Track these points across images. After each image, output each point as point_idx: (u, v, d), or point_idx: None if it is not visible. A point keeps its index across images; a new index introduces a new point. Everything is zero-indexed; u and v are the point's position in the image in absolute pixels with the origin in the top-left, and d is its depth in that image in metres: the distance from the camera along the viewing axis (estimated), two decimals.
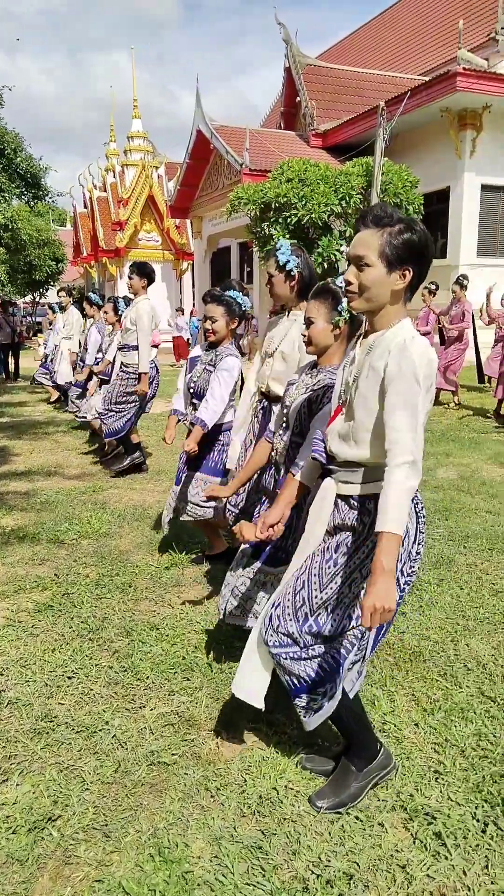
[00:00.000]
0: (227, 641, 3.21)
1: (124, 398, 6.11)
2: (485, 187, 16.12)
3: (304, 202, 14.78)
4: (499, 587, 3.85)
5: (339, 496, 2.13)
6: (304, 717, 2.20)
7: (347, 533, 2.12)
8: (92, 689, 2.86)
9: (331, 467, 2.15)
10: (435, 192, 16.49)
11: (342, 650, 2.15)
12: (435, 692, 2.82)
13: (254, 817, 2.17)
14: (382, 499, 1.83)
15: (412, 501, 2.03)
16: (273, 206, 15.17)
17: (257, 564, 2.74)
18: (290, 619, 2.15)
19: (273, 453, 2.66)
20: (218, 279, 25.56)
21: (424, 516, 2.16)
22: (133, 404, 6.13)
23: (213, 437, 3.92)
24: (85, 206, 30.13)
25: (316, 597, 2.13)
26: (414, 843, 2.07)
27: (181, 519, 4.05)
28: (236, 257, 25.02)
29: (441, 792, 2.26)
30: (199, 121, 20.06)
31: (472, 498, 5.55)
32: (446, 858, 2.00)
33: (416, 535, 2.13)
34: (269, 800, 2.23)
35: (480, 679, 2.92)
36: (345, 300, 2.39)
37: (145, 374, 6.01)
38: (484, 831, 2.10)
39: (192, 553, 4.33)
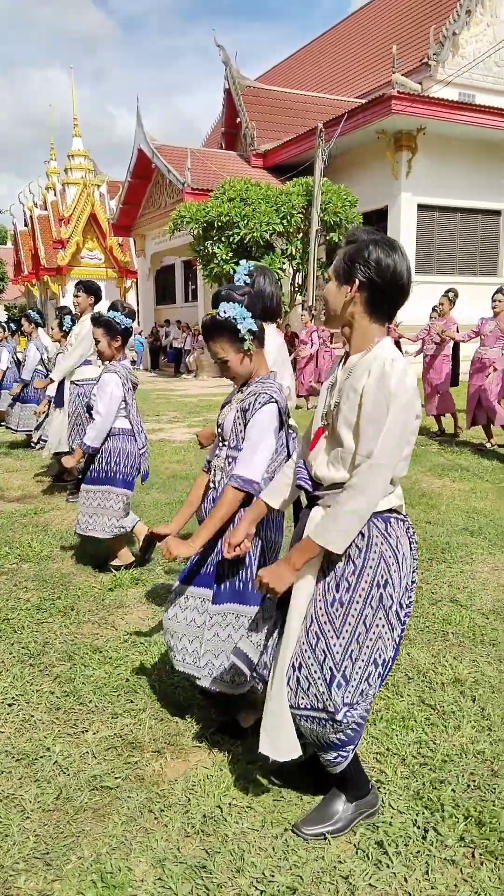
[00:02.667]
0: (171, 662, 3.19)
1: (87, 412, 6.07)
2: (421, 207, 16.62)
3: (246, 221, 14.96)
4: (437, 596, 3.94)
5: None
6: (334, 766, 2.11)
7: (343, 565, 2.01)
8: (33, 716, 2.81)
9: (317, 493, 2.08)
10: (373, 212, 16.92)
11: (370, 700, 2.08)
12: (377, 702, 2.86)
13: (198, 836, 2.16)
14: (328, 513, 1.88)
15: (403, 524, 2.05)
16: (216, 224, 15.33)
17: (209, 606, 2.56)
18: (318, 678, 2.00)
19: (210, 475, 2.63)
20: (162, 297, 25.63)
21: (416, 542, 2.13)
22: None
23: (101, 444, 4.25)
24: (25, 225, 29.84)
25: (335, 644, 2.00)
26: (356, 853, 2.09)
27: (78, 532, 4.36)
28: (180, 275, 25.10)
29: (383, 800, 2.29)
30: (140, 140, 20.16)
31: (412, 509, 5.67)
32: (388, 867, 2.03)
33: (411, 560, 2.07)
34: (212, 818, 2.23)
35: (421, 688, 2.98)
36: (241, 326, 2.38)
37: (52, 381, 6.26)
38: (424, 838, 2.14)
39: (134, 573, 4.30)
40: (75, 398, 6.06)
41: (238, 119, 21.40)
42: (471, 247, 17.76)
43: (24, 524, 5.38)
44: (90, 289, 5.98)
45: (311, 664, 2.02)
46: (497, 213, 17.91)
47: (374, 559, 1.98)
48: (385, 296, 1.97)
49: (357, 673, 2.01)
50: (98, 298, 6.03)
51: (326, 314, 2.08)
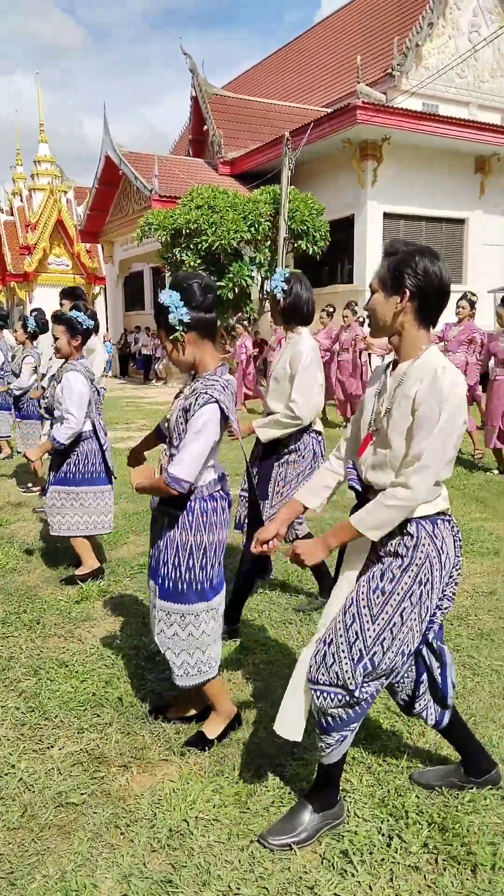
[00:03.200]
0: (138, 675, 3.19)
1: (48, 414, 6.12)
2: (387, 215, 16.82)
3: (214, 228, 15.00)
4: None
5: None
6: (329, 750, 2.15)
7: (391, 559, 2.12)
8: None
9: (368, 496, 2.16)
10: (340, 220, 17.06)
11: (382, 683, 2.15)
12: None
13: (164, 851, 2.16)
14: (371, 503, 2.03)
15: (449, 524, 2.15)
16: (184, 231, 15.33)
17: (156, 601, 2.64)
18: (345, 657, 2.08)
19: (158, 468, 2.62)
20: (131, 304, 25.52)
21: (461, 539, 2.21)
22: None
23: (70, 448, 4.30)
24: None
25: (369, 629, 2.08)
26: (322, 862, 2.11)
27: (51, 533, 4.39)
28: (149, 282, 25.01)
29: (349, 809, 2.31)
30: (107, 147, 20.09)
31: None
32: (353, 875, 2.05)
33: (454, 557, 2.16)
34: (179, 832, 2.23)
35: (385, 695, 2.98)
36: (171, 315, 2.37)
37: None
38: (389, 845, 2.16)
39: (102, 585, 4.28)
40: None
41: (205, 127, 21.46)
42: None
43: None
44: (74, 295, 6.01)
45: (342, 643, 2.10)
46: (461, 221, 18.20)
47: (420, 558, 2.08)
48: (433, 303, 2.05)
49: (386, 661, 2.10)
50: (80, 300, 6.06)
51: (374, 325, 2.12)
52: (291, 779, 2.48)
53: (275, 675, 3.18)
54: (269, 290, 3.45)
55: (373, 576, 2.13)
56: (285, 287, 3.41)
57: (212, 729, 2.70)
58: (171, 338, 2.43)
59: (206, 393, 2.40)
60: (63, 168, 26.81)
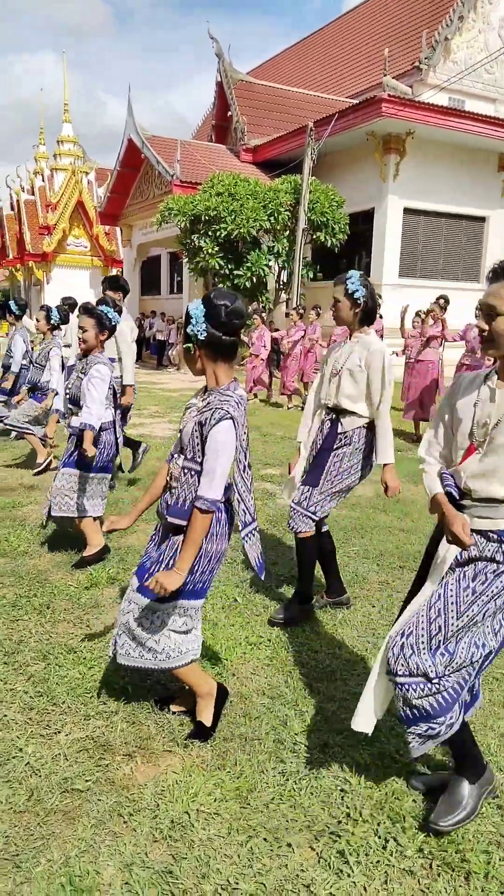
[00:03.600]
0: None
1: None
2: (407, 210, 16.71)
3: (233, 216, 14.97)
4: None
5: (474, 530, 2.20)
6: (416, 743, 2.21)
7: (486, 563, 2.20)
8: (6, 715, 2.84)
9: (463, 502, 2.22)
10: (360, 213, 16.97)
11: (465, 678, 2.21)
12: (344, 712, 2.93)
13: (165, 842, 2.22)
14: None
15: None
16: (203, 218, 15.29)
17: (132, 593, 2.71)
18: (424, 649, 2.17)
19: (168, 476, 2.67)
20: (147, 288, 25.51)
21: None
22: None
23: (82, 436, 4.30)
24: (12, 209, 29.52)
25: (453, 624, 2.18)
26: (319, 861, 2.16)
27: (53, 514, 4.43)
28: (166, 267, 24.99)
29: (346, 810, 2.37)
30: (130, 130, 20.02)
31: (386, 516, 5.76)
32: (348, 876, 2.10)
33: None
34: (180, 824, 2.29)
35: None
36: (191, 326, 2.44)
37: (130, 385, 6.13)
38: (384, 847, 2.21)
39: (111, 572, 4.34)
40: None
41: (229, 113, 21.35)
42: (455, 252, 17.91)
43: (1, 518, 5.38)
44: (117, 284, 6.15)
45: (422, 634, 2.20)
46: (482, 219, 18.06)
47: None
48: None
49: (462, 651, 2.18)
50: (125, 293, 6.21)
51: (497, 343, 2.14)
52: (292, 775, 2.53)
53: (278, 672, 3.23)
54: (346, 291, 3.56)
55: (463, 575, 2.22)
56: (365, 291, 3.56)
57: (204, 714, 2.76)
58: (184, 346, 2.52)
59: (221, 408, 2.45)
60: (85, 149, 26.73)
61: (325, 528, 3.97)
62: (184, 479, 2.55)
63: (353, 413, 3.66)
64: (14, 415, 6.99)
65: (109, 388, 4.43)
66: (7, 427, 7.12)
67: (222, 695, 2.85)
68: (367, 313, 3.63)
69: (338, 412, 3.70)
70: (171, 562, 2.56)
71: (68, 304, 10.84)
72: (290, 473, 3.91)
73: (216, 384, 2.55)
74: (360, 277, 3.58)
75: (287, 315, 12.53)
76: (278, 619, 3.74)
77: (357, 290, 3.54)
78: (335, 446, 3.69)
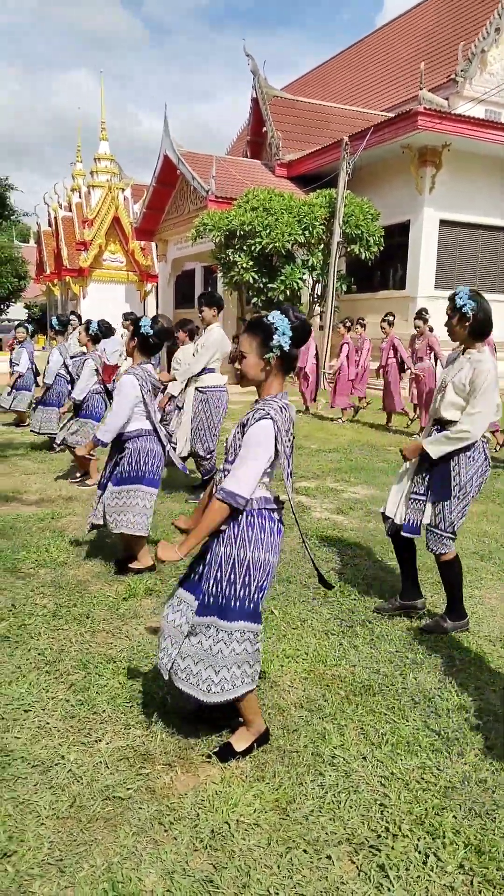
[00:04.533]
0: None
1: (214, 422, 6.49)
2: (443, 222, 16.67)
3: (268, 231, 15.07)
4: None
5: None
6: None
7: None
8: (48, 723, 2.90)
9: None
10: (395, 226, 16.97)
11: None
12: (383, 726, 2.93)
13: (206, 851, 2.24)
14: None
15: None
16: (238, 233, 15.43)
17: (191, 616, 2.65)
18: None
19: (213, 488, 2.68)
20: (182, 302, 25.76)
21: None
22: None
23: (120, 447, 4.51)
24: (49, 225, 30.12)
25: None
26: (359, 875, 2.16)
27: (113, 531, 4.55)
28: (200, 281, 25.21)
29: (386, 825, 2.36)
30: (166, 146, 20.33)
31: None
32: (389, 890, 2.10)
33: None
34: (220, 834, 2.31)
35: (426, 713, 3.04)
36: (276, 336, 2.48)
37: (175, 380, 6.51)
38: (425, 863, 2.20)
39: (149, 583, 4.39)
40: (198, 404, 6.44)
41: (264, 128, 21.56)
42: (491, 264, 17.78)
43: (42, 528, 5.49)
44: (213, 300, 6.38)
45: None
46: None
47: None
48: None
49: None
50: (220, 308, 6.47)
51: None
52: (331, 788, 2.53)
53: (316, 685, 3.24)
54: (455, 306, 3.63)
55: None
56: (474, 305, 3.58)
57: (239, 743, 2.73)
58: (264, 357, 2.51)
59: (262, 409, 2.49)
60: (121, 165, 27.19)
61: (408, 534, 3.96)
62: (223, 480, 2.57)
63: (455, 422, 3.71)
64: (67, 437, 7.07)
65: (140, 398, 4.45)
66: (62, 445, 7.20)
67: (265, 736, 2.80)
68: (478, 327, 3.63)
69: (443, 424, 3.78)
70: (220, 573, 2.56)
71: (130, 319, 11.19)
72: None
73: (268, 394, 2.57)
74: (468, 291, 3.62)
75: (346, 325, 12.45)
76: (434, 631, 3.84)
77: (465, 305, 3.58)
78: (451, 460, 3.71)
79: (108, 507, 4.49)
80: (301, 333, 2.52)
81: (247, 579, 2.55)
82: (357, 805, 2.46)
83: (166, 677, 2.71)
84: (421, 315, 10.55)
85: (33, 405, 8.99)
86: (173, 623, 2.69)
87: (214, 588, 2.57)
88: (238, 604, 2.55)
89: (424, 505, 3.81)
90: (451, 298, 3.66)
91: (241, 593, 2.55)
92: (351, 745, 2.80)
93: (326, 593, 4.32)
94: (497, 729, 2.93)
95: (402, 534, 3.89)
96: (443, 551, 3.80)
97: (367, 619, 3.97)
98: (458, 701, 3.13)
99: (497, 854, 2.23)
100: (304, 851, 2.24)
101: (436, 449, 3.69)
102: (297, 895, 2.07)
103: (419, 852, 2.25)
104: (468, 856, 2.23)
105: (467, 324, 3.63)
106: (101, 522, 4.58)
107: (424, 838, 2.30)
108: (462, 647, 3.65)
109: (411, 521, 3.85)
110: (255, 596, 2.58)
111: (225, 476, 2.56)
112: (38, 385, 10.31)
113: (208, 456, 6.56)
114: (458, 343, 3.79)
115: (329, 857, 2.22)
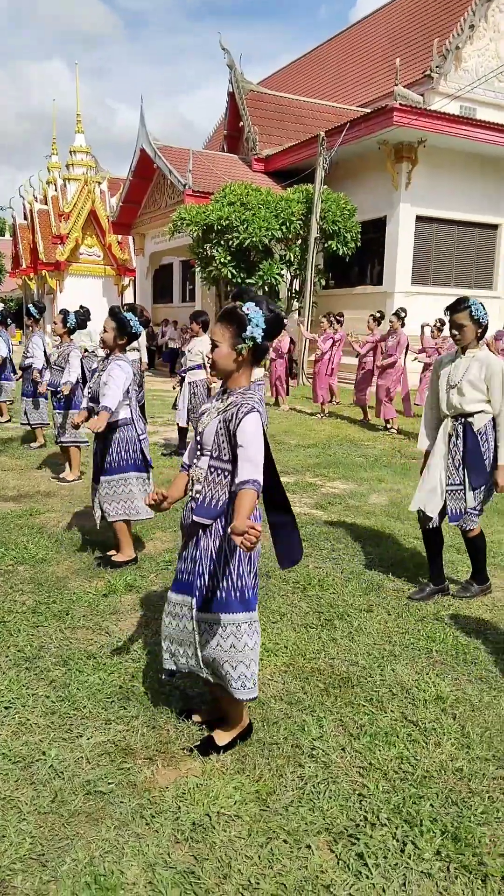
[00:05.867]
0: (163, 670, 3.29)
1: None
2: (419, 218, 16.76)
3: (245, 226, 15.06)
4: (423, 613, 4.06)
5: None
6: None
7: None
8: (29, 719, 2.90)
9: None
10: (372, 221, 17.03)
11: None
12: (361, 717, 2.97)
13: (187, 843, 2.27)
14: None
15: None
16: (215, 227, 15.40)
17: (194, 613, 2.65)
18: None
19: (189, 483, 2.69)
20: (160, 296, 25.67)
21: None
22: None
23: (109, 436, 4.55)
24: (25, 218, 29.80)
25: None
26: (338, 863, 2.20)
27: (110, 520, 4.61)
28: (178, 275, 25.13)
29: (364, 814, 2.40)
30: (142, 139, 20.20)
31: (401, 524, 5.79)
32: (367, 878, 2.14)
33: None
34: (201, 826, 2.33)
35: (404, 704, 3.09)
36: (249, 328, 2.48)
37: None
38: (402, 851, 2.25)
39: (129, 579, 4.40)
40: (192, 397, 7.63)
41: (241, 122, 21.48)
42: (467, 260, 17.92)
43: (20, 525, 5.46)
44: (198, 318, 7.00)
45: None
46: (494, 227, 18.07)
47: None
48: None
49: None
50: (205, 327, 6.92)
51: None
52: (310, 779, 2.57)
53: (296, 678, 3.28)
54: (472, 317, 4.06)
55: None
56: (486, 314, 4.08)
57: (223, 737, 2.75)
58: (236, 347, 2.52)
59: (246, 404, 2.50)
60: (97, 158, 26.95)
61: (437, 524, 4.30)
62: (210, 478, 2.57)
63: (480, 411, 4.11)
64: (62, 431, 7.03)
65: (130, 386, 4.58)
66: (61, 443, 7.13)
67: (247, 731, 2.83)
68: (484, 332, 4.16)
69: (465, 416, 4.13)
70: (213, 567, 2.56)
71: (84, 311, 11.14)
72: (421, 477, 4.31)
73: (238, 386, 2.59)
74: (478, 302, 4.08)
75: (329, 320, 12.47)
76: (464, 595, 4.32)
77: (482, 317, 4.06)
78: (480, 444, 4.12)
79: (104, 496, 4.56)
80: (274, 326, 2.54)
81: (241, 569, 2.58)
82: (336, 795, 2.49)
83: (204, 675, 2.69)
84: (398, 314, 10.63)
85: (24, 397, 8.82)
86: (178, 629, 2.69)
87: (211, 582, 2.59)
88: (238, 595, 2.58)
89: (464, 493, 4.16)
90: (464, 309, 4.03)
91: (239, 584, 2.58)
92: (330, 737, 2.84)
93: (305, 587, 4.36)
94: (473, 719, 2.99)
95: (450, 524, 4.25)
96: (472, 527, 4.22)
97: (345, 613, 4.01)
98: (436, 692, 3.18)
99: (473, 841, 2.28)
100: (285, 842, 2.27)
101: None
102: (277, 885, 2.11)
103: (397, 840, 2.29)
104: (445, 843, 2.28)
105: (480, 330, 4.12)
106: (101, 514, 4.65)
107: (402, 826, 2.35)
108: (439, 640, 3.71)
109: (454, 511, 4.18)
110: (251, 582, 2.61)
111: (213, 472, 2.57)
112: (16, 376, 10.19)
113: None
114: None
115: (309, 847, 2.25)
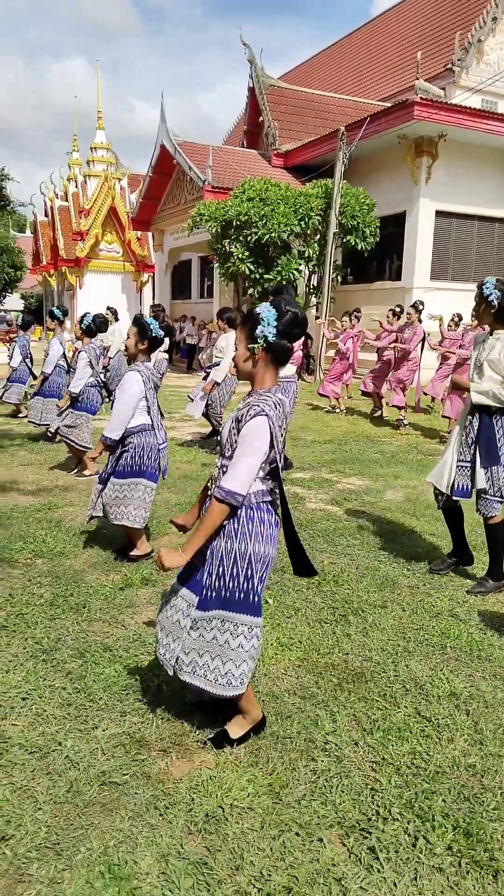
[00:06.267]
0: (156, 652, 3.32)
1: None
2: (439, 213, 16.64)
3: (264, 221, 15.03)
4: (438, 609, 4.05)
5: None
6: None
7: None
8: (45, 711, 2.94)
9: None
10: (391, 216, 16.94)
11: None
12: (375, 712, 2.98)
13: (200, 835, 2.29)
14: None
15: None
16: (234, 223, 15.39)
17: (193, 612, 2.67)
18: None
19: (210, 482, 2.70)
20: (179, 292, 25.75)
21: None
22: None
23: (122, 441, 4.57)
24: (46, 215, 29.94)
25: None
26: (350, 857, 2.21)
27: (114, 522, 4.64)
28: (197, 271, 25.19)
29: (377, 808, 2.41)
30: (162, 136, 20.24)
31: (417, 521, 5.77)
32: (379, 871, 2.15)
33: None
34: (214, 818, 2.36)
35: (417, 700, 3.10)
36: (260, 327, 2.47)
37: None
38: (414, 845, 2.26)
39: (145, 573, 4.43)
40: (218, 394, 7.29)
41: (261, 118, 21.46)
42: (487, 255, 17.77)
43: (39, 519, 5.52)
44: (222, 315, 7.01)
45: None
46: None
47: None
48: None
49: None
50: (233, 327, 6.99)
51: None
52: (323, 773, 2.58)
53: (309, 672, 3.29)
54: (482, 295, 4.20)
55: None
56: (499, 294, 4.12)
57: (235, 730, 2.77)
58: (248, 346, 2.53)
59: (257, 406, 2.49)
60: (118, 155, 27.02)
61: (453, 504, 4.46)
62: (221, 478, 2.60)
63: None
64: (62, 428, 7.08)
65: (143, 394, 4.56)
66: (56, 434, 7.21)
67: (261, 724, 2.84)
68: (503, 313, 4.18)
69: (478, 406, 4.22)
70: (221, 568, 2.57)
71: (112, 312, 11.55)
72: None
73: (261, 387, 2.58)
74: (495, 281, 4.16)
75: (342, 318, 12.45)
76: (479, 591, 4.34)
77: (491, 294, 4.13)
78: (495, 423, 4.20)
79: (109, 498, 4.58)
80: (290, 326, 2.49)
81: (249, 572, 2.57)
82: (348, 789, 2.51)
83: (171, 672, 2.73)
84: (415, 306, 10.62)
85: (31, 396, 9.00)
86: (171, 619, 2.72)
87: (217, 583, 2.59)
88: (242, 596, 2.58)
89: (472, 470, 4.26)
90: (479, 287, 4.19)
91: (245, 586, 2.57)
92: (343, 732, 2.85)
93: (320, 583, 4.37)
94: (487, 716, 2.99)
95: (454, 498, 4.33)
96: (492, 514, 4.27)
97: (360, 608, 4.02)
98: (449, 688, 3.18)
99: (484, 836, 2.28)
100: (297, 834, 2.29)
101: (479, 397, 4.21)
102: (289, 877, 2.12)
103: (409, 835, 2.30)
104: (456, 838, 2.28)
105: (492, 311, 4.17)
106: (100, 514, 4.67)
107: (414, 821, 2.35)
108: (454, 636, 3.70)
109: (459, 486, 4.31)
110: (258, 588, 2.60)
111: (223, 473, 2.58)
112: (34, 377, 10.35)
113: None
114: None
115: (321, 840, 2.27)
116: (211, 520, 2.52)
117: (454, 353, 9.67)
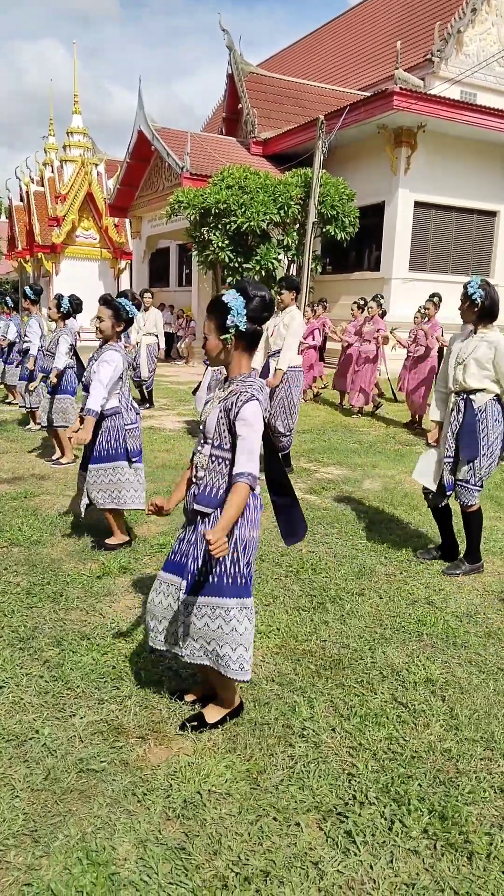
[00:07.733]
0: (149, 642, 3.31)
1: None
2: (418, 204, 16.67)
3: (243, 209, 14.94)
4: (415, 597, 4.09)
5: None
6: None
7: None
8: (22, 699, 2.92)
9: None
10: (370, 206, 16.93)
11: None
12: (352, 698, 3.00)
13: (178, 820, 2.30)
14: None
15: None
16: (213, 211, 15.29)
17: (181, 595, 2.67)
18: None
19: (192, 470, 2.71)
20: (156, 279, 25.55)
21: None
22: None
23: (98, 424, 4.53)
24: (21, 200, 29.55)
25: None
26: (326, 840, 2.23)
27: (100, 507, 4.63)
28: (175, 259, 25.02)
29: (353, 793, 2.44)
30: (140, 121, 20.00)
31: (394, 510, 5.82)
32: (355, 855, 2.18)
33: None
34: (192, 803, 2.36)
35: (394, 686, 3.13)
36: (230, 317, 2.47)
37: (281, 370, 6.47)
38: (390, 829, 2.28)
39: (122, 561, 4.42)
40: (280, 383, 6.62)
41: (240, 105, 21.29)
42: (465, 246, 17.86)
43: (14, 507, 5.47)
44: (292, 285, 6.54)
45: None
46: (493, 213, 17.99)
47: None
48: None
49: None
50: (299, 292, 6.47)
51: None
52: (300, 759, 2.60)
53: (287, 659, 3.30)
54: (466, 294, 4.25)
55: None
56: (482, 293, 4.19)
57: (212, 714, 2.79)
58: (221, 338, 2.52)
59: (246, 392, 2.50)
60: (95, 140, 26.71)
61: (440, 502, 4.54)
62: (211, 466, 2.58)
63: (481, 389, 4.28)
64: (56, 419, 7.00)
65: (120, 377, 4.53)
66: (49, 426, 7.11)
67: (237, 711, 2.85)
68: (486, 312, 4.24)
69: (468, 392, 4.30)
70: (207, 554, 2.57)
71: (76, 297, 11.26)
72: (429, 445, 4.60)
73: (238, 373, 2.59)
74: (479, 282, 4.21)
75: (313, 308, 12.45)
76: (453, 572, 4.46)
77: (475, 293, 4.19)
78: (477, 419, 4.28)
79: (92, 484, 4.56)
80: (260, 310, 2.49)
81: (235, 556, 2.58)
82: (326, 775, 2.53)
83: (158, 649, 2.78)
84: (376, 299, 10.69)
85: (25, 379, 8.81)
86: (161, 605, 2.73)
87: (203, 567, 2.60)
88: (231, 580, 2.59)
89: (455, 465, 4.36)
90: (464, 287, 4.23)
91: (232, 570, 2.58)
92: (321, 718, 2.87)
93: (298, 571, 4.38)
94: (462, 701, 3.03)
95: (446, 493, 4.41)
96: (471, 502, 4.38)
97: (337, 596, 4.04)
98: (425, 674, 3.22)
99: (459, 819, 2.31)
100: (274, 819, 2.31)
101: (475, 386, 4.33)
102: (266, 861, 2.14)
103: (385, 819, 2.33)
104: (432, 821, 2.31)
105: (475, 310, 4.22)
106: (87, 501, 4.64)
107: (390, 805, 2.38)
108: (430, 623, 3.74)
109: (447, 482, 4.41)
110: (245, 571, 2.61)
111: (214, 461, 2.58)
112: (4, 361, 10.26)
113: (288, 433, 6.74)
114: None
115: (298, 825, 2.29)
116: (238, 503, 2.44)
117: (427, 347, 9.67)
